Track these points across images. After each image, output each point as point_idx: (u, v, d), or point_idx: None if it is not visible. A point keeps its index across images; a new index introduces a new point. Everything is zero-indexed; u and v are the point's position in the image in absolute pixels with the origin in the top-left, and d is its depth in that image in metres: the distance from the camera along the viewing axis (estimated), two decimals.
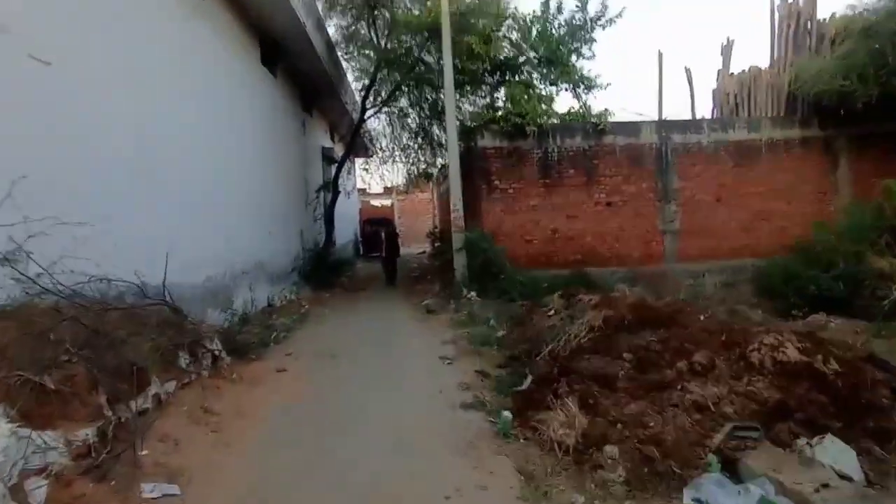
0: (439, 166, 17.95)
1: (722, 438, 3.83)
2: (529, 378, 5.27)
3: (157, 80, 6.64)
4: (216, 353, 5.43)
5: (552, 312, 7.51)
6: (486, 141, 11.55)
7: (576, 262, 11.53)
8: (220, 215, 8.45)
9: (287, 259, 12.26)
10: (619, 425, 4.00)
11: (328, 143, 18.60)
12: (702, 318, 5.75)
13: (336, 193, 15.54)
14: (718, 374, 4.49)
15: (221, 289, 8.26)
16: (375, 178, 19.90)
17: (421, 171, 17.18)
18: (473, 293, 10.48)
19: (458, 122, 11.66)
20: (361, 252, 25.19)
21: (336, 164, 16.40)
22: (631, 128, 11.87)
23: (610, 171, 11.72)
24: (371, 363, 6.32)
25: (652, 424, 3.99)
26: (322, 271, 14.00)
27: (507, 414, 4.46)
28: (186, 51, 7.63)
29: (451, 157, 11.11)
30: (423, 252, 23.01)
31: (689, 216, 11.90)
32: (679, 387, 4.35)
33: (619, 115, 11.95)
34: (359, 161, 23.92)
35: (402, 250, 15.77)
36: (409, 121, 16.27)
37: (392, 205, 33.03)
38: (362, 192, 29.91)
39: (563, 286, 10.61)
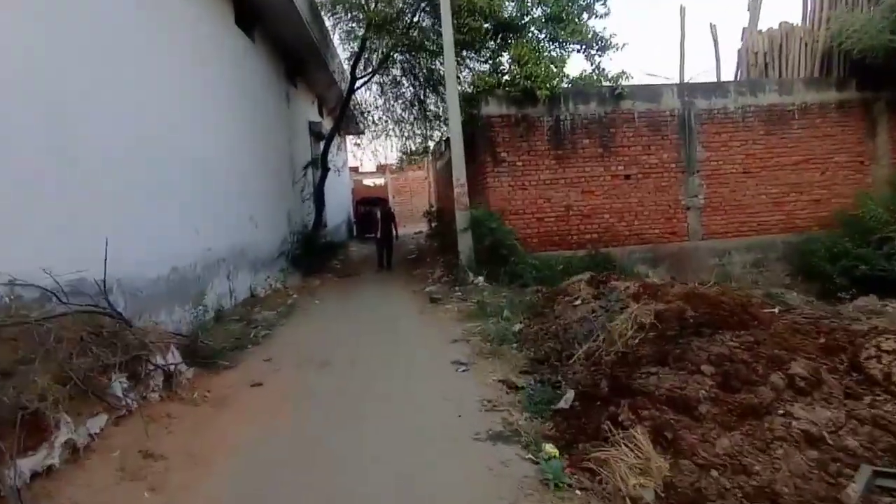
0: (437, 140, 16.71)
1: (861, 490, 2.74)
2: (570, 393, 4.18)
3: (89, 36, 5.35)
4: (171, 367, 4.28)
5: (579, 302, 6.40)
6: (492, 108, 10.32)
7: (592, 242, 10.42)
8: (189, 196, 7.24)
9: (272, 243, 11.07)
10: (713, 471, 2.91)
11: (315, 117, 17.23)
12: (776, 310, 4.66)
13: (325, 171, 14.28)
14: (828, 391, 3.40)
15: (191, 281, 7.08)
16: (368, 155, 18.67)
17: (417, 145, 15.88)
18: (481, 278, 9.38)
19: (459, 88, 10.39)
20: (355, 233, 23.99)
21: (324, 140, 15.11)
22: (651, 92, 10.66)
23: (628, 140, 10.54)
24: (369, 373, 5.18)
25: (758, 469, 2.91)
26: (312, 255, 12.83)
27: (550, 449, 3.37)
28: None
29: (453, 126, 9.87)
30: (420, 232, 21.88)
31: (715, 189, 10.77)
32: (781, 411, 3.27)
33: (639, 79, 10.70)
34: (350, 138, 22.60)
35: (398, 231, 14.52)
36: (403, 90, 14.93)
37: (385, 184, 31.68)
38: (354, 170, 28.61)
39: (579, 268, 9.58)
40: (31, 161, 4.33)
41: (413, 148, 17.55)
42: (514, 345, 6.06)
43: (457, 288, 9.31)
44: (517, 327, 6.80)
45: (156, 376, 4.11)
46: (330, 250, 14.67)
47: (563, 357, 5.35)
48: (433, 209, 21.99)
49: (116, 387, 3.59)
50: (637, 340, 4.41)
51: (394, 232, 13.82)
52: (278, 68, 12.77)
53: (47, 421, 2.77)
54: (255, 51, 10.86)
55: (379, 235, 13.61)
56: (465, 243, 9.84)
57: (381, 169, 30.60)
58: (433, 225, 20.67)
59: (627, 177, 10.54)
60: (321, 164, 14.29)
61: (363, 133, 19.55)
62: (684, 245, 10.71)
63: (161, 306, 6.15)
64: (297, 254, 12.39)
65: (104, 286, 4.73)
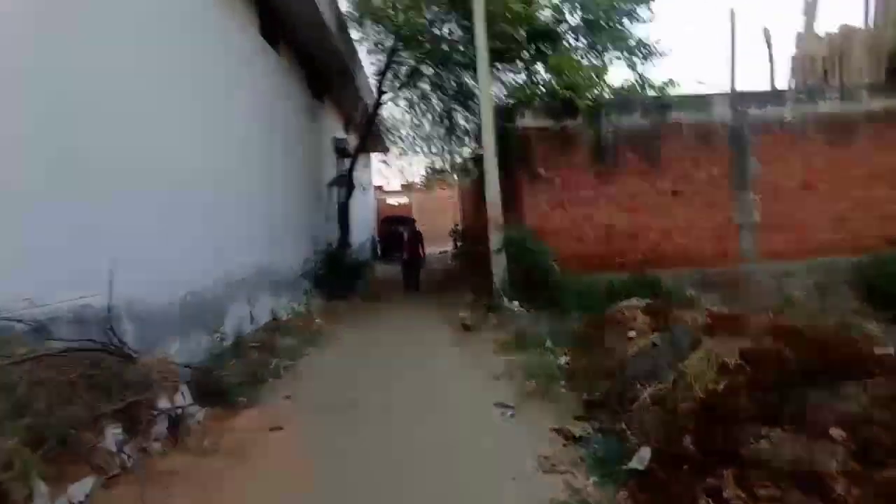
0: (465, 157, 16.19)
1: None
2: (646, 452, 3.47)
3: (98, 37, 4.92)
4: (178, 412, 3.70)
5: (634, 333, 5.67)
6: (528, 120, 9.74)
7: (636, 264, 9.65)
8: (207, 214, 6.75)
9: (296, 264, 10.58)
10: None
11: (341, 134, 16.88)
12: (893, 351, 3.89)
13: (351, 188, 13.82)
14: None
15: (209, 305, 6.55)
16: (393, 173, 18.26)
17: (446, 161, 15.36)
18: (517, 303, 8.70)
19: (492, 100, 9.84)
20: (380, 254, 23.53)
21: (350, 157, 14.70)
22: (700, 102, 9.94)
23: (676, 154, 9.81)
24: (402, 417, 4.52)
25: None
26: (337, 277, 12.28)
27: None
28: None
29: (486, 140, 9.28)
30: (445, 252, 21.31)
31: (771, 206, 9.93)
32: None
33: (686, 88, 10.03)
34: (375, 156, 22.30)
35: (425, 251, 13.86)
36: (432, 105, 14.46)
37: (410, 202, 31.31)
38: (379, 189, 28.34)
39: (623, 293, 8.86)
40: (29, 174, 3.86)
41: (440, 165, 17.10)
42: (563, 382, 5.37)
43: (491, 314, 8.64)
44: (562, 360, 6.11)
45: (160, 422, 3.53)
46: (355, 271, 14.12)
47: (625, 400, 4.65)
48: (459, 228, 21.43)
49: (109, 439, 3.01)
50: (723, 387, 3.69)
51: (422, 253, 13.21)
52: (303, 82, 12.41)
53: (15, 495, 2.20)
54: (279, 63, 10.50)
55: (406, 257, 13.02)
56: (499, 266, 9.19)
57: (406, 188, 30.33)
58: (458, 245, 20.09)
59: (675, 193, 9.79)
60: (347, 182, 13.84)
61: (388, 151, 19.19)
62: (736, 267, 9.87)
63: (175, 333, 5.62)
64: (321, 275, 11.88)
65: (109, 314, 4.22)
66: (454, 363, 6.28)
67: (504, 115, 10.18)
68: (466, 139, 15.31)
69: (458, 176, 21.86)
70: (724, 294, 9.54)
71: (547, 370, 5.52)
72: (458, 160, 17.11)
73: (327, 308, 10.58)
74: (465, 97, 13.93)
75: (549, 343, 6.67)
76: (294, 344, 7.53)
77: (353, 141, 17.24)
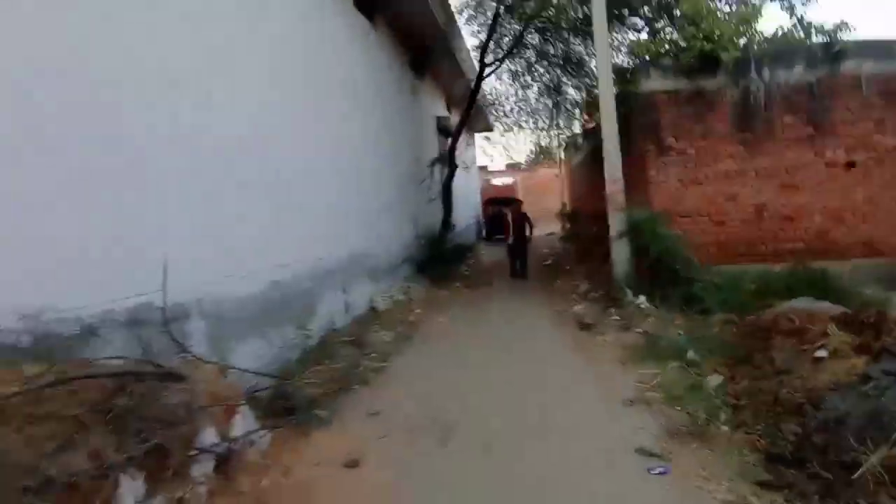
0: (575, 131, 14.74)
1: None
2: None
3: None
4: (229, 445, 2.99)
5: (825, 353, 4.21)
6: (654, 82, 8.20)
7: (795, 253, 7.86)
8: (299, 196, 6.22)
9: (396, 248, 9.99)
10: None
11: (443, 112, 16.07)
12: None
13: (453, 168, 12.98)
14: None
15: (296, 298, 5.97)
16: (497, 151, 17.24)
17: (554, 137, 14.06)
18: (642, 298, 7.37)
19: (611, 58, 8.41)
20: (484, 235, 22.73)
21: (451, 136, 13.84)
22: (884, 48, 7.80)
23: (851, 115, 7.81)
24: (511, 456, 3.49)
25: None
26: (439, 261, 11.58)
27: None
28: None
29: (605, 107, 7.86)
30: (553, 234, 20.00)
31: None
32: None
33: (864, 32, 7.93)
34: (479, 136, 21.39)
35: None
36: (539, 76, 13.19)
37: (514, 182, 30.06)
38: (483, 169, 27.42)
39: (779, 289, 7.22)
40: (79, 156, 3.31)
41: (548, 141, 15.85)
42: (724, 416, 4.05)
43: (612, 310, 7.41)
44: (714, 381, 4.76)
45: (203, 461, 2.83)
46: (458, 255, 13.35)
47: (831, 460, 3.27)
48: (567, 210, 20.12)
49: (126, 495, 2.32)
50: None
51: (529, 236, 12.06)
52: (402, 58, 11.67)
53: None
54: (377, 38, 9.79)
55: (511, 241, 11.95)
56: (620, 253, 7.88)
57: (510, 167, 29.24)
58: (567, 227, 18.82)
59: (851, 164, 7.81)
60: (449, 161, 13.02)
61: (492, 129, 18.22)
62: None
63: (254, 332, 5.05)
64: (422, 259, 11.24)
65: (164, 313, 3.64)
66: (573, 376, 5.16)
67: (623, 78, 8.69)
68: (576, 112, 13.89)
69: (566, 153, 20.39)
70: None
71: (700, 397, 4.25)
72: (567, 135, 15.73)
73: (428, 296, 9.90)
74: (575, 66, 12.55)
75: (690, 353, 5.34)
76: (388, 340, 6.83)
77: (455, 118, 16.40)
